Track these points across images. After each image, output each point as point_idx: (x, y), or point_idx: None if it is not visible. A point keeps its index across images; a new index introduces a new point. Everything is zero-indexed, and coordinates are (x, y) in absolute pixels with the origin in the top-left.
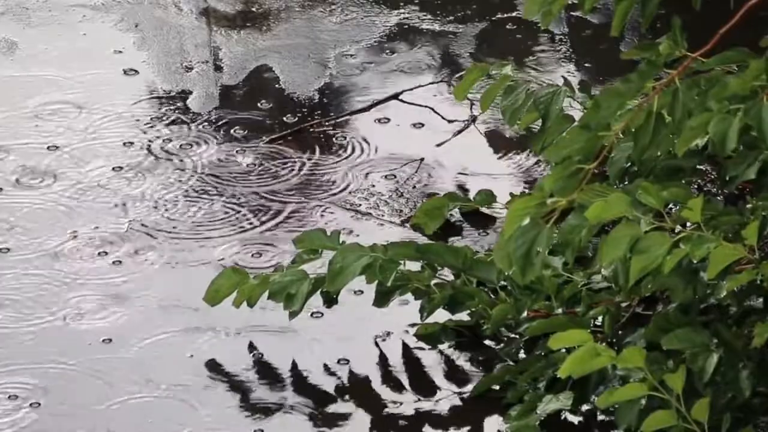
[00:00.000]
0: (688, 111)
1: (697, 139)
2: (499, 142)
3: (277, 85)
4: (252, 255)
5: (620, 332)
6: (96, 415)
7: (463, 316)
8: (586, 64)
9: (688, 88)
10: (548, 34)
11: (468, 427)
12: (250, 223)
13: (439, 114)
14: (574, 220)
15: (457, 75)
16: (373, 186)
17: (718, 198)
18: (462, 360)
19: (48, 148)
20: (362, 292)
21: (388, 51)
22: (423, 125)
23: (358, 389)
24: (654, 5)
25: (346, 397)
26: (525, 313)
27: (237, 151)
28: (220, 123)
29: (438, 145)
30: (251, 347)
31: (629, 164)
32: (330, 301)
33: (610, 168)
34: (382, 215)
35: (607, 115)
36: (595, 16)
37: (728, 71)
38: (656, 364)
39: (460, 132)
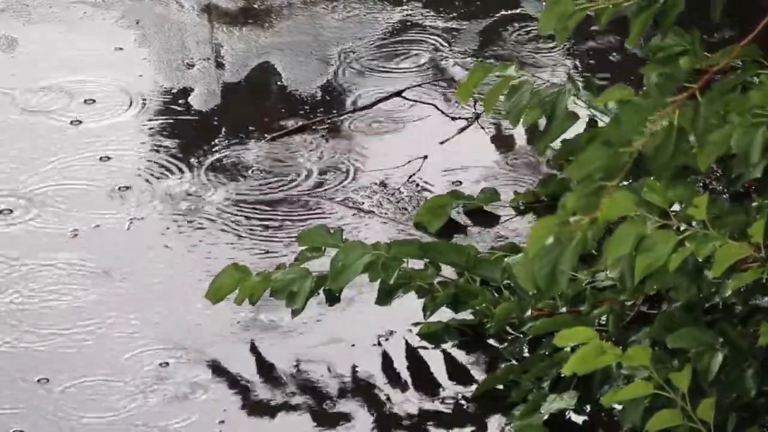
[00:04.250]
0: (710, 125)
1: (719, 153)
2: (502, 140)
3: (279, 83)
4: (255, 254)
5: (625, 331)
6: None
7: (467, 315)
8: (591, 62)
9: (710, 102)
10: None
11: (471, 427)
12: (252, 222)
13: (442, 111)
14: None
15: (461, 72)
16: (376, 184)
17: (724, 196)
18: (465, 359)
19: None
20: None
21: (391, 48)
22: (426, 123)
23: (360, 388)
24: (672, 17)
25: (349, 396)
26: (529, 312)
27: (238, 149)
28: (221, 120)
29: (441, 143)
30: (253, 346)
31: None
32: (332, 299)
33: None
34: (385, 213)
35: (628, 131)
36: None
37: (734, 67)
38: (661, 363)
39: (463, 129)
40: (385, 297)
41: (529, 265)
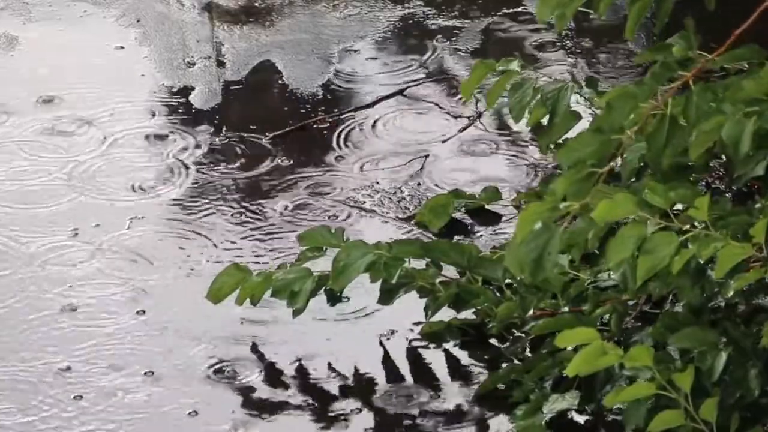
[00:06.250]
0: (702, 114)
1: (710, 143)
2: (504, 138)
3: (280, 81)
4: (255, 254)
5: (627, 331)
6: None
7: (469, 314)
8: (593, 59)
9: (702, 90)
10: (554, 29)
11: (473, 427)
12: (253, 222)
13: (444, 110)
14: (581, 222)
15: (462, 70)
16: (378, 183)
17: (726, 195)
18: (467, 359)
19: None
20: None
21: (392, 46)
22: (428, 121)
23: (362, 388)
24: (668, 7)
25: (351, 395)
26: (531, 312)
27: (239, 148)
28: (222, 119)
29: (443, 141)
30: (254, 345)
31: (641, 165)
32: (334, 299)
33: (622, 169)
34: (387, 212)
35: (620, 118)
36: None
37: (739, 69)
38: (664, 363)
39: (465, 128)
40: (387, 296)
41: (517, 250)
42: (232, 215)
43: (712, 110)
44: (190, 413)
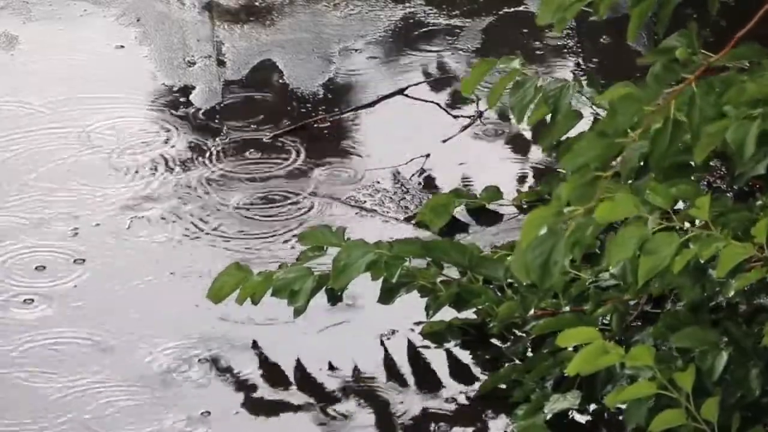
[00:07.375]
0: (705, 116)
1: (714, 146)
2: (505, 138)
3: (280, 81)
4: (256, 253)
5: (628, 330)
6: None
7: (470, 314)
8: (594, 58)
9: (706, 92)
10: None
11: (474, 427)
12: (255, 220)
13: (444, 109)
14: (582, 220)
15: (463, 70)
16: (378, 182)
17: (728, 194)
18: (468, 358)
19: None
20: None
21: (393, 45)
22: (428, 121)
23: (363, 388)
24: (670, 8)
25: (351, 395)
26: (532, 311)
27: (240, 147)
28: (222, 118)
29: (444, 141)
30: (255, 345)
31: (641, 163)
32: (334, 298)
33: (621, 167)
34: (388, 212)
35: (624, 122)
36: None
37: (740, 68)
38: (665, 363)
39: (466, 127)
40: (387, 296)
41: (522, 255)
42: (232, 214)
43: (716, 113)
44: (202, 413)
